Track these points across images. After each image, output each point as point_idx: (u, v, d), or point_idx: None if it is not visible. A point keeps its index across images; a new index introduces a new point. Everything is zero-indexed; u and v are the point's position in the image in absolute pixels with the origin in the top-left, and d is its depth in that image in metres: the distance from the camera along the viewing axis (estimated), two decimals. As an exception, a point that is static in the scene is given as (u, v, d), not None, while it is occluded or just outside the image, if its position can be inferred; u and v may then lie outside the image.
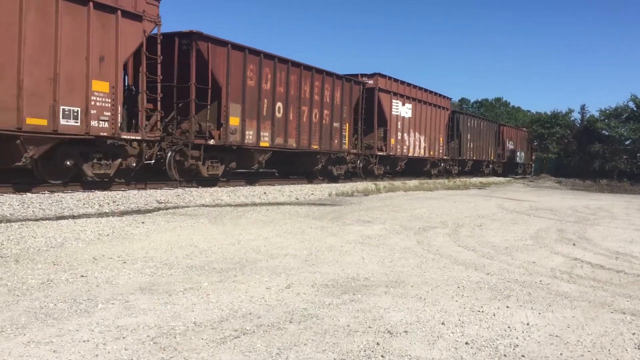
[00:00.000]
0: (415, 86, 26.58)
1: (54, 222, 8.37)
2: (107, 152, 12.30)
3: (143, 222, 8.81)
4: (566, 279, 6.01)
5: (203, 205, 11.88)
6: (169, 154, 13.91)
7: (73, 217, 9.20)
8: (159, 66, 13.11)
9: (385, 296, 4.99)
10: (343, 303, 4.71)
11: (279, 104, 17.15)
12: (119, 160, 12.55)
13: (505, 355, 3.63)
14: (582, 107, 42.40)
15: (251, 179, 17.70)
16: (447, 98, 30.26)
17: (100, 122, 11.69)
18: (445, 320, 4.31)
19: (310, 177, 20.23)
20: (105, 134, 11.85)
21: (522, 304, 4.91)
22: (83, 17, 11.26)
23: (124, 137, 12.42)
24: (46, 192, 11.23)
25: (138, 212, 10.38)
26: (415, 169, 27.71)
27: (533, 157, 48.16)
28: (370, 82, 22.90)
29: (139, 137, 12.78)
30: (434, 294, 5.12)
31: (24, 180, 11.61)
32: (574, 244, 8.57)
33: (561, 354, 3.70)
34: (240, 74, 15.54)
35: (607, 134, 37.30)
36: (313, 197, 15.71)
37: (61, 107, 10.95)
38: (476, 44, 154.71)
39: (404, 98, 25.27)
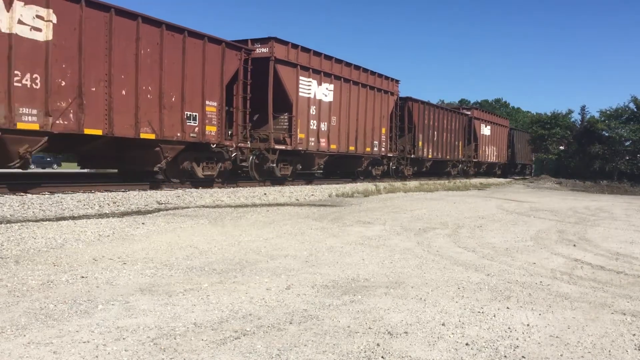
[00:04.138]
0: (491, 112, 42.71)
1: (54, 223, 8.37)
2: (377, 163, 25.41)
3: (143, 223, 8.82)
4: (566, 280, 6.00)
5: (203, 207, 11.89)
6: (391, 163, 26.56)
7: (73, 218, 9.20)
8: (397, 118, 26.23)
9: (385, 297, 4.99)
10: (343, 304, 4.70)
11: (435, 132, 30.06)
12: (382, 166, 25.81)
13: (505, 356, 3.63)
14: (582, 108, 42.02)
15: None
16: (507, 119, 46.77)
17: (382, 149, 24.66)
18: (445, 321, 4.31)
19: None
20: (383, 154, 25.01)
21: (523, 304, 4.91)
22: (378, 97, 24.08)
23: (389, 155, 25.49)
24: (46, 193, 11.26)
25: (138, 213, 10.38)
26: (487, 170, 39.61)
27: (533, 158, 48.78)
28: (469, 113, 35.91)
29: (392, 155, 25.79)
30: (434, 295, 5.12)
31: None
32: (574, 245, 8.57)
33: (561, 355, 3.69)
34: (422, 116, 28.54)
35: (607, 134, 37.16)
36: (313, 198, 15.73)
37: (373, 142, 23.71)
38: (476, 45, 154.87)
39: (486, 122, 38.47)
